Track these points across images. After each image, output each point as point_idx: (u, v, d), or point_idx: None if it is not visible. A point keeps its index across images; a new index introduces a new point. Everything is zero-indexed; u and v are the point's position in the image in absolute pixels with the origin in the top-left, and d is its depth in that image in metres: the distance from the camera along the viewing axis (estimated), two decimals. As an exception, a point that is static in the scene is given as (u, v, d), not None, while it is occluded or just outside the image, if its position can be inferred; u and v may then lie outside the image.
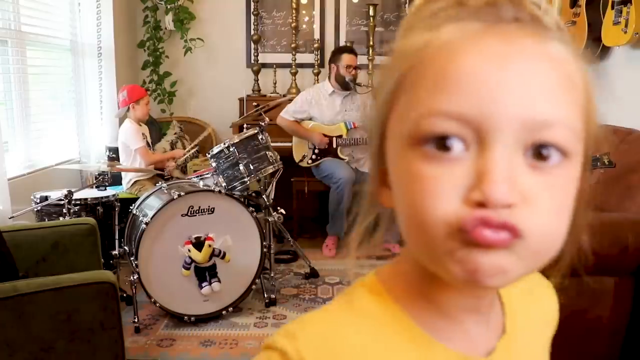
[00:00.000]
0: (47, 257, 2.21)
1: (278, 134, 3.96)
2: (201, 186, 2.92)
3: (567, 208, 0.42)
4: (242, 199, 2.95)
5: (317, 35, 4.76)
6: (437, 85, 0.39)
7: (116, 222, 2.96)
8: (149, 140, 3.62)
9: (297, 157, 3.98)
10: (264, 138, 3.02)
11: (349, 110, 3.95)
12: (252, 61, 4.67)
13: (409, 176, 0.41)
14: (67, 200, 2.64)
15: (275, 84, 4.67)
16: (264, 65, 4.70)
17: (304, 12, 4.80)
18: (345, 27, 4.81)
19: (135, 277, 2.65)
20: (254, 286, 2.91)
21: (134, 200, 3.04)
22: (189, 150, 3.77)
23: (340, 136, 3.90)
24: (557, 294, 0.60)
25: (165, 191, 2.81)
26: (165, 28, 4.66)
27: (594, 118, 0.44)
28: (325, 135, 3.90)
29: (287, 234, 3.50)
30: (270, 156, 3.02)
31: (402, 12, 4.73)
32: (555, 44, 0.41)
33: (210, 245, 2.76)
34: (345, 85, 3.88)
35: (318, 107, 3.94)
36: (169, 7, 4.57)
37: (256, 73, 4.66)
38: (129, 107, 3.50)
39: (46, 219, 2.79)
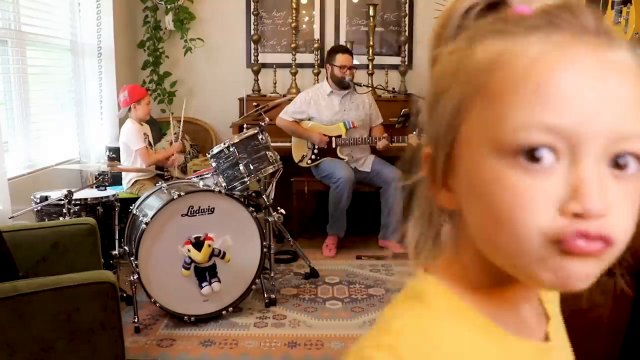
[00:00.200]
0: (47, 257, 2.21)
1: (278, 134, 3.96)
2: (201, 186, 2.92)
3: (637, 213, 0.44)
4: (242, 199, 2.95)
5: (317, 35, 4.76)
6: (532, 98, 0.40)
7: (116, 222, 2.96)
8: (151, 140, 3.62)
9: (296, 158, 3.98)
10: (264, 138, 3.02)
11: (348, 110, 3.95)
12: (252, 61, 4.67)
13: (497, 185, 0.42)
14: (67, 200, 2.64)
15: (275, 84, 4.67)
16: (264, 65, 4.70)
17: (304, 12, 4.80)
18: (345, 27, 4.81)
19: (135, 277, 2.65)
20: (254, 286, 2.91)
21: (134, 200, 3.04)
22: (188, 145, 3.75)
23: (339, 136, 3.90)
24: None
25: (165, 191, 2.81)
26: (165, 28, 4.66)
27: None
28: (324, 135, 3.90)
29: (287, 234, 3.50)
30: (270, 156, 3.02)
31: (402, 12, 4.74)
32: (631, 55, 0.43)
33: (210, 245, 2.76)
34: (341, 85, 3.88)
35: (317, 107, 3.94)
36: (169, 7, 4.57)
37: (256, 73, 4.66)
38: (130, 108, 3.51)
39: (46, 219, 2.79)
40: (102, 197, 2.95)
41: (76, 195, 2.78)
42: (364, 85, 3.93)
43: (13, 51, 3.15)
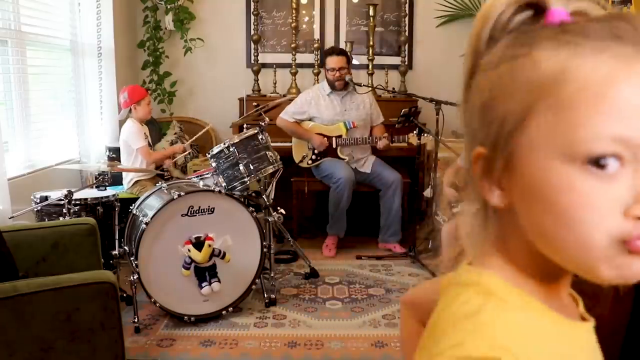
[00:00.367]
0: (47, 257, 2.21)
1: (278, 134, 3.96)
2: (201, 186, 2.92)
3: None
4: (242, 199, 2.95)
5: (317, 35, 4.76)
6: (602, 111, 0.44)
7: (116, 222, 2.96)
8: (150, 140, 3.62)
9: (297, 158, 3.98)
10: (264, 138, 3.02)
11: (349, 110, 3.95)
12: (252, 61, 4.67)
13: (565, 190, 0.46)
14: (67, 200, 2.64)
15: (275, 84, 4.67)
16: (264, 65, 4.70)
17: (304, 12, 4.80)
18: (345, 27, 4.81)
19: (135, 277, 2.65)
20: (254, 286, 2.92)
21: (134, 200, 3.04)
22: (189, 146, 3.77)
23: (339, 136, 3.90)
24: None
25: (165, 191, 2.81)
26: (165, 28, 4.66)
27: None
28: (324, 136, 3.90)
29: (287, 234, 3.50)
30: (270, 156, 3.02)
31: (402, 12, 4.74)
32: None
33: (210, 245, 2.76)
34: (333, 88, 3.89)
35: (317, 107, 3.94)
36: (169, 7, 4.57)
37: (256, 73, 4.66)
38: (130, 109, 3.51)
39: (46, 219, 2.79)
40: (102, 197, 2.96)
41: (76, 195, 2.78)
42: (363, 85, 3.93)
43: (13, 51, 3.15)
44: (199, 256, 2.73)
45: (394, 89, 4.52)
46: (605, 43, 0.45)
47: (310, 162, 3.96)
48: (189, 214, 2.73)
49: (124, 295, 2.87)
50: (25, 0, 3.30)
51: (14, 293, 1.63)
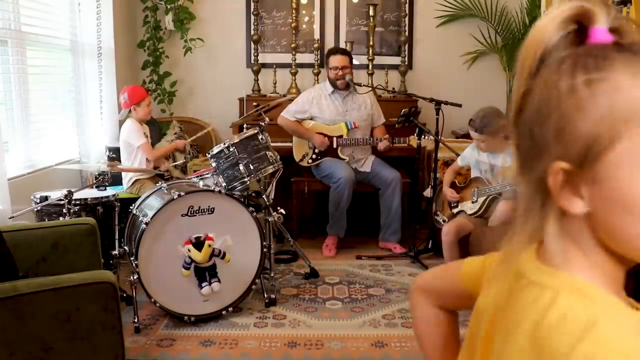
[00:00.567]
0: (47, 257, 2.21)
1: (278, 134, 3.96)
2: (201, 186, 2.92)
3: None
4: (242, 199, 2.95)
5: (317, 35, 4.76)
6: None
7: (116, 222, 2.96)
8: (150, 141, 3.62)
9: (297, 157, 3.98)
10: (264, 138, 3.02)
11: (350, 110, 3.95)
12: (252, 61, 4.67)
13: None
14: (67, 200, 2.64)
15: (275, 84, 4.67)
16: (264, 65, 4.70)
17: (304, 12, 4.80)
18: (345, 27, 4.81)
19: (135, 277, 2.65)
20: (254, 286, 2.91)
21: (134, 200, 3.04)
22: (189, 145, 3.77)
23: (340, 136, 3.90)
24: None
25: (165, 191, 2.81)
26: (165, 28, 4.67)
27: None
28: (325, 135, 3.90)
29: (287, 234, 3.50)
30: (270, 156, 3.02)
31: (402, 12, 4.74)
32: None
33: (210, 245, 2.76)
34: (335, 87, 3.89)
35: (319, 106, 3.93)
36: (169, 7, 4.57)
37: (256, 73, 4.66)
38: (130, 109, 3.51)
39: (46, 219, 2.79)
40: (102, 197, 2.96)
41: (76, 195, 2.78)
42: (364, 85, 3.93)
43: (13, 51, 3.15)
44: (199, 256, 2.73)
45: (394, 89, 4.52)
46: None
47: (310, 161, 3.96)
48: (189, 214, 2.73)
49: (124, 295, 2.87)
50: (25, 0, 3.30)
51: (14, 293, 1.63)
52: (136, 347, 2.54)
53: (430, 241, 3.76)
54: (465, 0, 4.71)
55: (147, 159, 3.53)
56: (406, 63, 4.72)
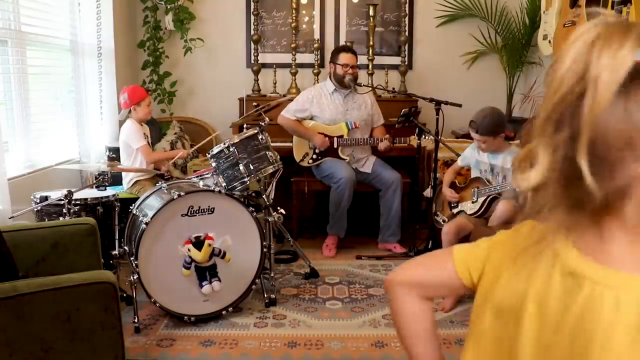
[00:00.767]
0: (47, 257, 2.21)
1: (278, 134, 3.96)
2: (201, 186, 2.92)
3: None
4: (242, 199, 2.95)
5: (317, 35, 4.76)
6: None
7: (116, 222, 2.96)
8: (150, 141, 3.62)
9: (297, 157, 3.98)
10: (264, 138, 3.02)
11: (351, 110, 3.95)
12: (252, 61, 4.67)
13: None
14: (67, 200, 2.64)
15: (275, 84, 4.67)
16: (264, 65, 4.70)
17: (304, 12, 4.80)
18: (345, 27, 4.81)
19: (135, 277, 2.65)
20: (254, 286, 2.91)
21: (134, 200, 3.04)
22: (192, 153, 3.76)
23: (341, 136, 3.89)
24: None
25: (165, 191, 2.81)
26: (165, 28, 4.67)
27: None
28: (325, 135, 3.89)
29: (287, 234, 3.50)
30: (270, 156, 3.02)
31: (402, 12, 4.74)
32: None
33: (210, 245, 2.76)
34: (342, 84, 3.88)
35: (319, 105, 3.93)
36: (169, 7, 4.57)
37: (256, 73, 4.66)
38: (130, 109, 3.51)
39: (46, 219, 2.79)
40: (102, 197, 2.96)
41: (76, 195, 2.78)
42: (364, 85, 3.93)
43: (13, 51, 3.15)
44: (199, 256, 2.73)
45: (394, 89, 4.52)
46: None
47: (311, 161, 3.96)
48: (189, 213, 2.73)
49: (124, 295, 2.87)
50: (25, 0, 3.30)
51: (14, 293, 1.63)
52: (136, 347, 2.54)
53: (430, 241, 3.76)
54: (465, 0, 4.71)
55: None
56: (406, 63, 4.72)
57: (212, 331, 2.72)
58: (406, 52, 4.72)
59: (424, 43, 4.84)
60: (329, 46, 4.65)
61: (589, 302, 0.68)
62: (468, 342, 0.88)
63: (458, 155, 3.39)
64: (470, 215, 3.16)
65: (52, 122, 3.69)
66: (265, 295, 3.01)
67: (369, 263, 3.72)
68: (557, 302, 0.71)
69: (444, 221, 3.38)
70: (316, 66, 4.66)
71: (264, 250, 2.91)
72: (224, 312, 2.83)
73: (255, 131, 3.01)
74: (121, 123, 3.69)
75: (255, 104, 3.44)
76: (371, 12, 4.59)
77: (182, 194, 2.69)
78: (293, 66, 4.64)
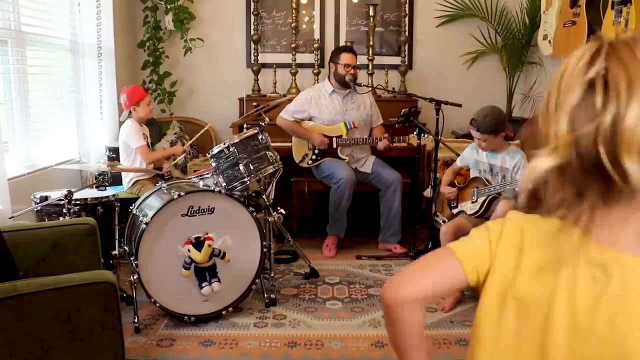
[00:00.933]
0: (47, 257, 2.21)
1: (278, 134, 3.96)
2: (201, 186, 2.92)
3: None
4: (242, 199, 2.95)
5: (317, 35, 4.76)
6: None
7: (116, 222, 2.96)
8: (149, 141, 3.62)
9: (297, 158, 3.98)
10: (264, 138, 3.02)
11: (349, 110, 3.95)
12: (252, 61, 4.67)
13: None
14: (67, 200, 2.64)
15: (275, 84, 4.67)
16: (264, 65, 4.70)
17: (304, 12, 4.80)
18: (345, 27, 4.81)
19: (135, 277, 2.65)
20: (254, 286, 2.91)
21: (134, 200, 3.04)
22: (188, 148, 3.75)
23: (340, 136, 3.89)
24: None
25: (165, 191, 2.81)
26: (165, 28, 4.66)
27: None
28: (325, 136, 3.89)
29: (287, 234, 3.50)
30: (270, 156, 3.02)
31: (402, 12, 4.74)
32: None
33: (210, 245, 2.76)
34: (343, 84, 3.88)
35: (318, 106, 3.93)
36: (169, 7, 4.57)
37: (256, 73, 4.66)
38: (130, 110, 3.51)
39: (46, 219, 2.79)
40: (102, 197, 2.96)
41: (76, 195, 2.78)
42: (364, 85, 3.92)
43: (13, 51, 3.15)
44: (199, 256, 2.73)
45: (394, 89, 4.52)
46: None
47: (310, 162, 3.96)
48: (189, 214, 2.73)
49: (124, 295, 2.87)
50: (25, 0, 3.30)
51: (14, 293, 1.63)
52: (136, 347, 2.54)
53: (430, 241, 3.76)
54: (465, 0, 4.71)
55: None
56: (406, 63, 4.72)
57: (212, 331, 2.72)
58: (406, 52, 4.72)
59: (424, 43, 4.84)
60: (329, 46, 4.65)
61: (624, 289, 0.73)
62: (479, 342, 0.87)
63: (458, 155, 3.39)
64: (470, 215, 3.16)
65: (52, 122, 3.69)
66: (265, 295, 3.01)
67: (369, 263, 3.72)
68: (588, 296, 0.75)
69: (443, 222, 3.38)
70: (316, 66, 4.66)
71: (264, 250, 2.91)
72: (224, 312, 2.83)
73: (255, 131, 3.01)
74: (122, 124, 3.69)
75: (255, 104, 3.44)
76: (371, 12, 4.59)
77: (182, 194, 2.69)
78: (293, 66, 4.64)
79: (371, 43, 4.63)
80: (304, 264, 3.50)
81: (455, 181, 3.41)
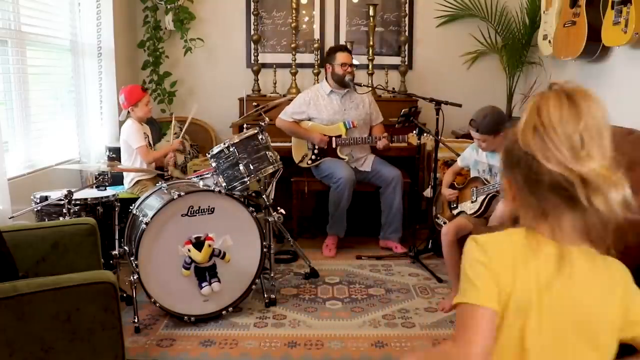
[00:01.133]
0: (47, 257, 2.21)
1: (278, 134, 3.96)
2: (201, 186, 2.92)
3: None
4: (242, 199, 2.95)
5: (317, 35, 4.77)
6: None
7: (116, 222, 2.96)
8: (150, 140, 3.61)
9: (297, 158, 3.98)
10: (264, 138, 3.02)
11: (348, 110, 3.95)
12: (252, 61, 4.67)
13: None
14: (67, 200, 2.64)
15: (275, 84, 4.67)
16: (264, 65, 4.70)
17: (304, 12, 4.80)
18: (345, 27, 4.81)
19: (135, 277, 2.65)
20: (254, 286, 2.91)
21: (134, 200, 3.04)
22: (182, 135, 3.72)
23: (339, 136, 3.89)
24: None
25: (165, 191, 2.81)
26: (165, 28, 4.67)
27: None
28: (324, 135, 3.89)
29: (287, 234, 3.50)
30: (270, 156, 3.02)
31: (402, 12, 4.74)
32: None
33: (210, 245, 2.76)
34: (342, 84, 3.88)
35: (316, 107, 3.93)
36: (169, 7, 4.57)
37: (256, 73, 4.66)
38: (129, 110, 3.50)
39: (46, 219, 2.79)
40: (102, 197, 2.96)
41: (76, 195, 2.78)
42: (364, 85, 3.92)
43: (13, 51, 3.15)
44: (199, 256, 2.73)
45: (394, 89, 4.53)
46: None
47: (310, 162, 3.96)
48: (189, 214, 2.73)
49: (124, 295, 2.87)
50: (25, 0, 3.30)
51: (14, 293, 1.63)
52: (136, 347, 2.54)
53: (430, 241, 3.77)
54: (465, 0, 4.71)
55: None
56: (406, 63, 4.72)
57: (212, 331, 2.72)
58: (406, 52, 4.72)
59: (424, 43, 4.84)
60: (329, 46, 4.64)
61: (573, 269, 0.98)
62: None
63: (458, 155, 3.39)
64: (471, 215, 3.16)
65: (52, 122, 3.69)
66: (265, 295, 3.01)
67: (369, 263, 3.72)
68: (550, 279, 0.98)
69: (444, 223, 3.37)
70: (316, 66, 4.66)
71: (264, 250, 2.91)
72: (224, 312, 2.83)
73: (255, 131, 3.01)
74: (122, 123, 3.68)
75: (255, 104, 3.44)
76: (371, 12, 4.60)
77: (182, 194, 2.69)
78: (293, 66, 4.64)
79: (371, 43, 4.63)
80: (304, 264, 3.51)
81: (455, 182, 3.40)
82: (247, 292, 2.90)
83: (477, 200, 3.13)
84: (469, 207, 3.19)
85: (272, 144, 3.16)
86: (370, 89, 4.01)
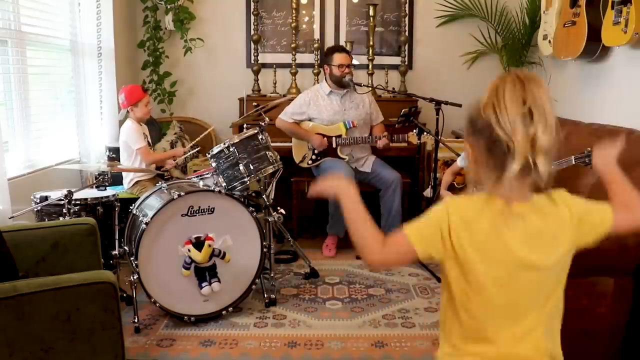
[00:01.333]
0: (47, 257, 2.21)
1: (278, 134, 3.96)
2: (201, 186, 2.92)
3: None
4: (242, 199, 2.95)
5: (317, 35, 4.77)
6: None
7: (116, 222, 2.96)
8: (149, 140, 3.61)
9: (297, 158, 3.98)
10: (264, 138, 3.02)
11: (348, 110, 3.95)
12: (252, 61, 4.67)
13: None
14: (67, 200, 2.64)
15: (275, 84, 4.67)
16: (264, 65, 4.70)
17: (304, 12, 4.80)
18: (345, 27, 4.81)
19: (135, 277, 2.65)
20: (254, 286, 2.92)
21: (134, 200, 3.04)
22: (189, 149, 3.75)
23: (339, 136, 3.89)
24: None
25: (165, 191, 2.81)
26: (165, 28, 4.67)
27: None
28: (324, 136, 3.89)
29: (287, 234, 3.50)
30: (270, 156, 3.02)
31: (402, 12, 4.74)
32: None
33: (210, 245, 2.76)
34: (341, 84, 3.87)
35: (316, 107, 3.93)
36: (169, 7, 4.57)
37: (256, 73, 4.66)
38: (128, 110, 3.50)
39: (46, 219, 2.79)
40: (102, 197, 2.96)
41: (76, 195, 2.78)
42: (364, 85, 3.92)
43: (13, 51, 3.15)
44: (199, 256, 2.73)
45: (394, 89, 4.52)
46: None
47: (310, 162, 3.96)
48: (189, 214, 2.73)
49: (124, 295, 2.87)
50: (25, 0, 3.29)
51: (14, 293, 1.63)
52: (136, 347, 2.55)
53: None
54: (465, 0, 4.71)
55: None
56: (406, 63, 4.72)
57: (212, 331, 2.72)
58: (406, 52, 4.72)
59: (424, 43, 4.84)
60: (329, 46, 4.65)
61: (533, 223, 1.17)
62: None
63: (458, 155, 3.39)
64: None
65: (52, 122, 3.68)
66: (265, 295, 3.01)
67: (369, 263, 3.71)
68: (517, 234, 1.17)
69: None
70: (316, 66, 4.66)
71: (264, 250, 2.91)
72: (224, 312, 2.83)
73: (255, 131, 3.01)
74: (121, 123, 3.68)
75: (255, 104, 3.44)
76: (371, 12, 4.59)
77: (182, 194, 2.69)
78: (293, 66, 4.64)
79: (371, 43, 4.63)
80: (304, 264, 3.51)
81: (454, 182, 3.41)
82: (247, 292, 2.90)
83: (477, 200, 3.13)
84: (469, 207, 3.19)
85: (272, 144, 3.16)
86: (370, 89, 4.01)
